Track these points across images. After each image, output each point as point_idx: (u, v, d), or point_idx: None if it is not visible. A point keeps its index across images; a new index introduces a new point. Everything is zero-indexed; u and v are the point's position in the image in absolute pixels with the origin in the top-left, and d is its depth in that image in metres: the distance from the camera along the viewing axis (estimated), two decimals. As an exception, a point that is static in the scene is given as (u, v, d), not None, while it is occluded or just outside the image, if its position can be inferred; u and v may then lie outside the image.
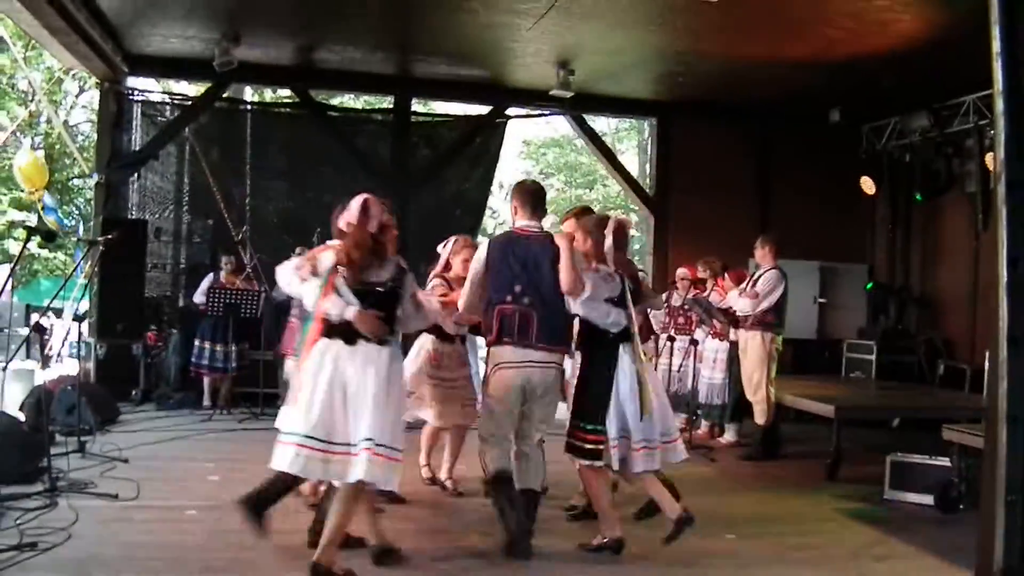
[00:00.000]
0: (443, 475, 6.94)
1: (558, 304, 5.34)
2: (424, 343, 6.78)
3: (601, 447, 5.26)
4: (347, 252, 4.68)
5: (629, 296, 5.45)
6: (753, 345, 8.76)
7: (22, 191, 24.13)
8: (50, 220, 13.71)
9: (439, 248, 6.86)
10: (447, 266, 6.71)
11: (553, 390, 5.51)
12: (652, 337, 8.90)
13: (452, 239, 6.80)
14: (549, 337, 5.34)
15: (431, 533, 5.84)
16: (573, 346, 5.61)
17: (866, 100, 11.87)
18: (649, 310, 7.49)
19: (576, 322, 5.51)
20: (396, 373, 4.83)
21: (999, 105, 2.39)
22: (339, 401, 4.58)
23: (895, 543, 5.92)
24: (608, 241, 5.42)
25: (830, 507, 6.84)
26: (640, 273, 6.50)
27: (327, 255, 4.75)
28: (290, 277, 4.80)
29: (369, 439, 4.48)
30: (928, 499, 6.78)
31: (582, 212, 6.49)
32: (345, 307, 4.63)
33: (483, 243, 5.76)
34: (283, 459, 4.55)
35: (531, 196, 5.64)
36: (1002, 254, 2.33)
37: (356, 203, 4.79)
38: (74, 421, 7.67)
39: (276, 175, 12.13)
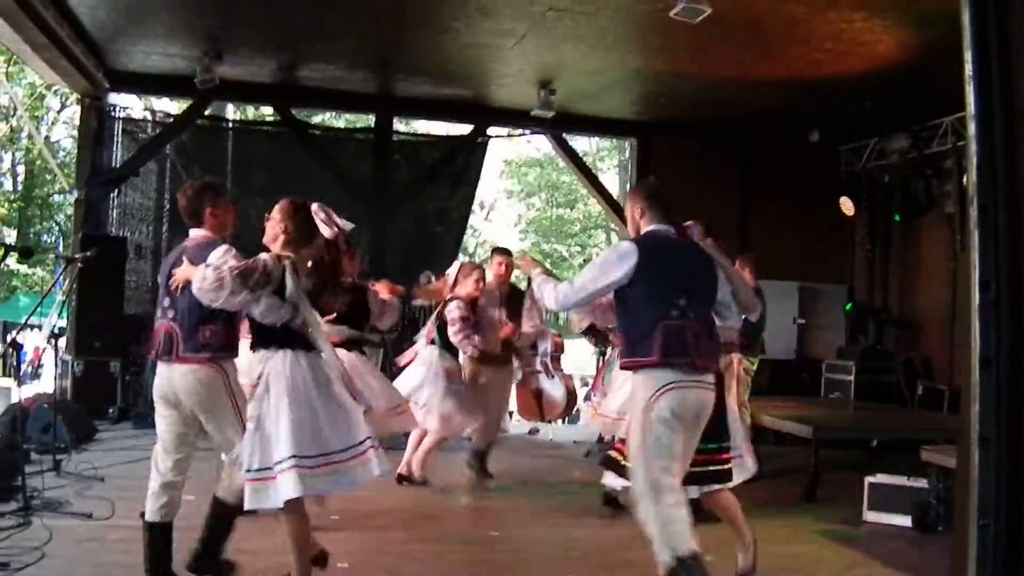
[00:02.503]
0: (415, 467, 7.52)
1: (713, 319, 4.68)
2: (431, 357, 7.39)
3: (728, 465, 4.89)
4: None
5: None
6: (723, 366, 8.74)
7: (1, 206, 24.11)
8: None
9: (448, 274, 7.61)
10: (454, 285, 7.38)
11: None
12: None
13: (457, 263, 7.65)
14: (713, 354, 4.62)
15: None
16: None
17: (845, 121, 11.95)
18: None
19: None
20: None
21: (971, 128, 2.41)
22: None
23: (874, 564, 5.92)
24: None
25: (808, 528, 6.83)
26: None
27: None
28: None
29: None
30: (907, 520, 6.78)
31: (504, 252, 7.04)
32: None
33: (623, 245, 4.76)
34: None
35: (659, 197, 4.82)
36: (974, 277, 2.35)
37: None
38: (49, 439, 7.60)
39: (257, 193, 12.07)
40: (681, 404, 4.33)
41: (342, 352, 5.58)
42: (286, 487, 4.19)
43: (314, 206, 4.65)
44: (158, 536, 4.73)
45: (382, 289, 6.51)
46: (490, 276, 7.86)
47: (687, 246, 4.75)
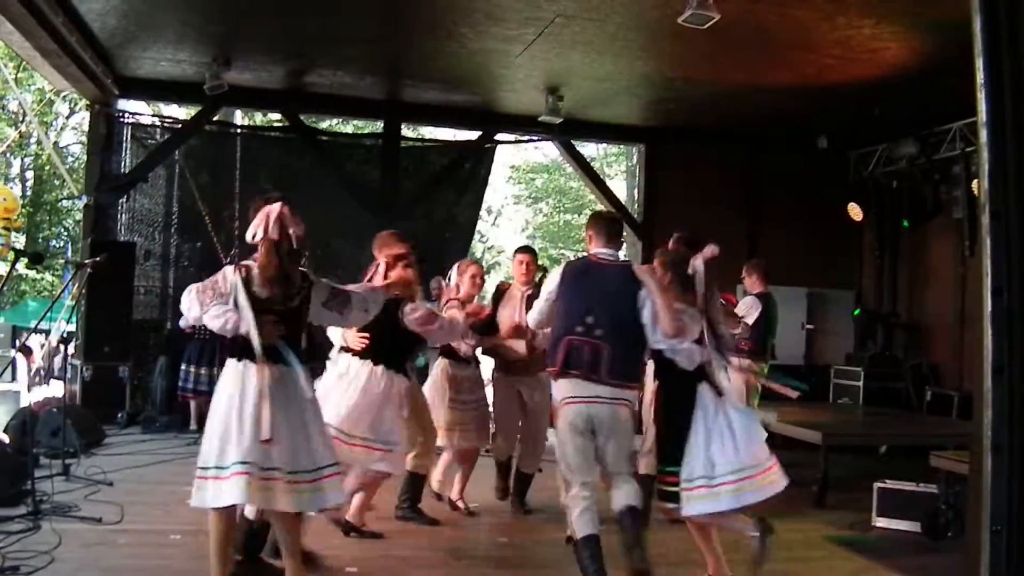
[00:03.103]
0: (454, 495, 6.99)
1: (632, 339, 4.98)
2: (439, 368, 6.94)
3: (677, 488, 4.94)
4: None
5: (708, 332, 5.08)
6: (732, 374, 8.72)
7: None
8: None
9: (447, 275, 7.03)
10: (458, 289, 6.84)
11: (629, 425, 5.08)
12: None
13: (456, 265, 7.03)
14: (621, 372, 4.96)
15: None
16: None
17: (854, 127, 11.95)
18: None
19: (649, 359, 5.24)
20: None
21: (983, 136, 2.41)
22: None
23: (883, 570, 5.92)
24: (700, 282, 5.09)
25: (818, 534, 6.83)
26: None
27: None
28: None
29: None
30: (916, 526, 6.77)
31: (526, 250, 7.03)
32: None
33: (557, 267, 5.57)
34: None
35: (606, 223, 5.35)
36: (986, 284, 2.35)
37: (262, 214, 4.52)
38: (59, 444, 7.62)
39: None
40: (574, 415, 4.92)
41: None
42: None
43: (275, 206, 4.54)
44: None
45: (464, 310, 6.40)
46: (513, 276, 7.38)
47: (610, 271, 5.11)
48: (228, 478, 4.21)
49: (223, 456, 4.26)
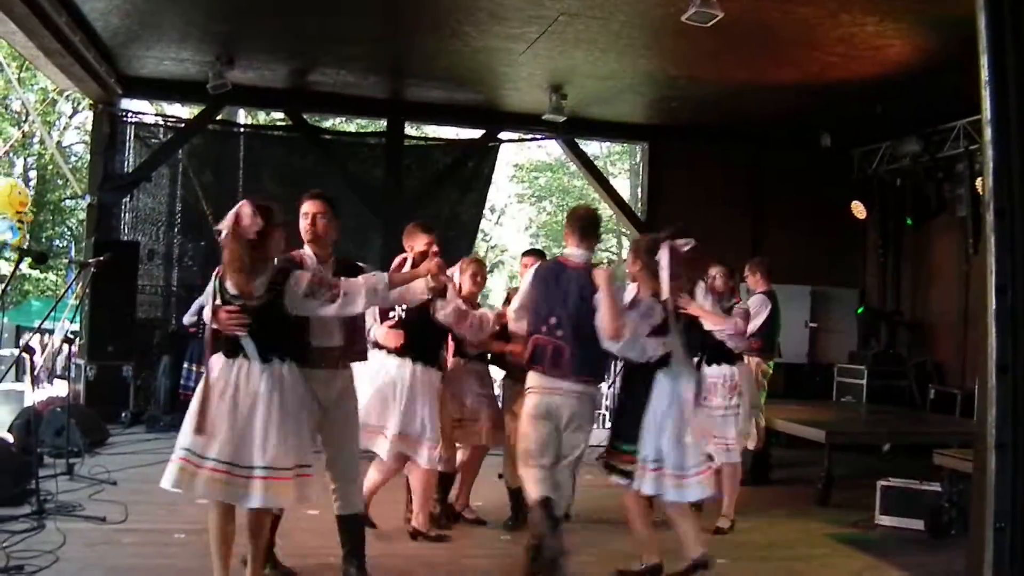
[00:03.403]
0: (457, 506, 6.74)
1: (594, 338, 5.12)
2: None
3: (632, 467, 5.12)
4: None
5: (673, 321, 5.20)
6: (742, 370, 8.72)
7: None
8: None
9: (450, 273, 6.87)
10: (459, 287, 6.66)
11: (584, 419, 5.37)
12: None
13: (459, 263, 6.79)
14: (580, 370, 5.25)
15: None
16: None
17: (857, 125, 11.94)
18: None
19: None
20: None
21: (987, 134, 2.41)
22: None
23: (886, 568, 5.91)
24: (663, 269, 5.12)
25: (821, 532, 6.82)
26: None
27: None
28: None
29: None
30: (919, 524, 6.76)
31: (533, 253, 6.93)
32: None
33: (531, 270, 5.71)
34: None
35: (579, 222, 5.47)
36: (990, 282, 2.34)
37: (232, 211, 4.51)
38: (63, 443, 7.63)
39: (269, 198, 12.07)
40: (536, 404, 5.27)
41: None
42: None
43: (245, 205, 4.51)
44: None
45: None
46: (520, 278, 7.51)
47: (572, 275, 5.31)
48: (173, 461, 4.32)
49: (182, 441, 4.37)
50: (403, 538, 6.05)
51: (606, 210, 15.66)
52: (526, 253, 7.36)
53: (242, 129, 13.29)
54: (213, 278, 4.54)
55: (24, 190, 11.39)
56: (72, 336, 9.86)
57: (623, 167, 29.88)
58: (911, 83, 9.72)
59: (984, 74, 2.41)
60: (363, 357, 5.19)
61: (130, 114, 11.97)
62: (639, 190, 13.82)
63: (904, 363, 12.27)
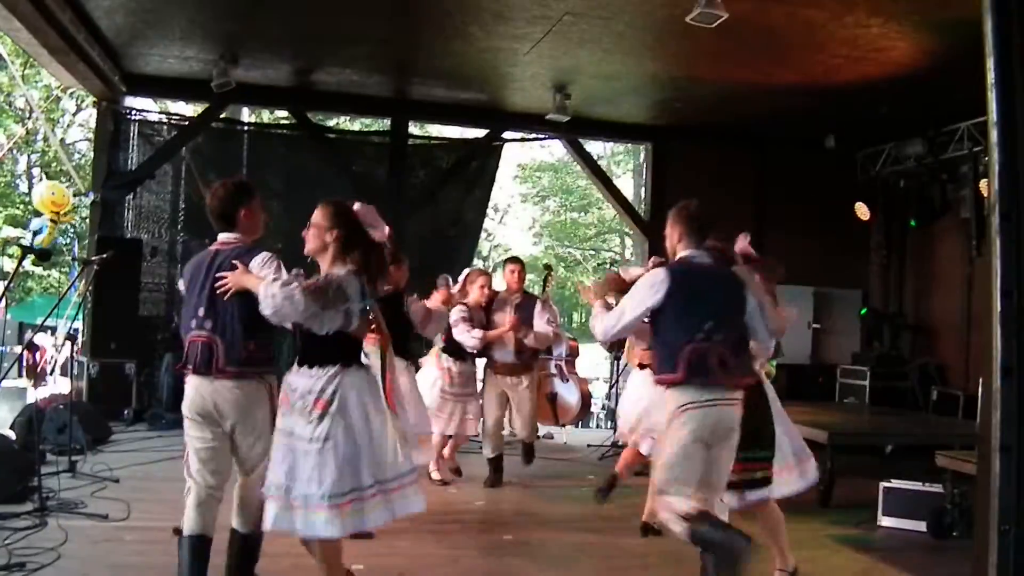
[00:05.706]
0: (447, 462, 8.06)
1: (746, 341, 4.80)
2: (435, 362, 7.84)
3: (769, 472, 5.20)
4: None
5: None
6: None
7: (17, 208, 24.23)
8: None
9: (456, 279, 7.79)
10: (464, 293, 7.54)
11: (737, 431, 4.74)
12: None
13: (467, 271, 7.94)
14: (739, 372, 4.70)
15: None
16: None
17: (861, 126, 11.94)
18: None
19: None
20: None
21: (993, 136, 2.41)
22: None
23: (888, 570, 5.90)
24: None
25: (823, 533, 6.81)
26: None
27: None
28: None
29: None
30: (921, 526, 6.75)
31: (512, 260, 7.80)
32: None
33: (657, 272, 4.79)
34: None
35: (696, 221, 4.85)
36: (996, 285, 2.34)
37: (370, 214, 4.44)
38: (65, 440, 7.63)
39: (272, 196, 12.11)
40: (699, 422, 4.54)
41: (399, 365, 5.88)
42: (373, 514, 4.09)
43: (357, 206, 4.39)
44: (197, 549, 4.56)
45: (440, 296, 6.99)
46: (502, 284, 8.12)
47: (718, 273, 4.86)
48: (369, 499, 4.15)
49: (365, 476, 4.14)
50: (403, 538, 6.05)
51: (610, 210, 15.66)
52: (509, 260, 7.99)
53: (246, 127, 13.29)
54: (355, 281, 4.15)
55: (61, 191, 11.41)
56: (74, 333, 9.86)
57: (627, 167, 29.89)
58: (915, 85, 9.73)
59: (990, 76, 2.41)
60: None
61: (134, 112, 11.98)
62: (642, 190, 13.82)
63: (907, 364, 12.27)
